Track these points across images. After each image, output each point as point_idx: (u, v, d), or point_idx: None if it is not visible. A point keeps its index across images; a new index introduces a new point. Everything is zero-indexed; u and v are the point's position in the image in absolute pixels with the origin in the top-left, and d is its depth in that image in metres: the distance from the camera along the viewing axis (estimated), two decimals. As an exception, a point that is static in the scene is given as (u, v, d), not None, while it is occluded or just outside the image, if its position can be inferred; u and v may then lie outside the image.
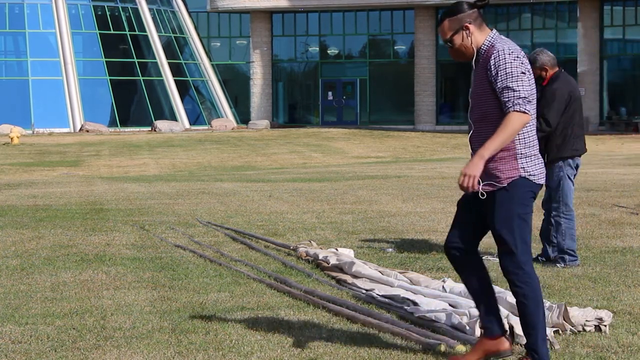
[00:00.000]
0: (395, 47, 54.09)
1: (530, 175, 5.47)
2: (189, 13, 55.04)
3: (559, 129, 9.11)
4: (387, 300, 7.25)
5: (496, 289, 6.90)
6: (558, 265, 8.99)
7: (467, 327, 6.19)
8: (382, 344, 6.12)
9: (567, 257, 9.05)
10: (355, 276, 8.24)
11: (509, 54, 5.35)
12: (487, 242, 10.43)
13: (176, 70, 52.23)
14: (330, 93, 54.14)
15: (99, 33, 50.43)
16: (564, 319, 6.31)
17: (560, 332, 6.31)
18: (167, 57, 51.80)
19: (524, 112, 5.30)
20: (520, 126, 5.31)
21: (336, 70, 54.41)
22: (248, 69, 55.11)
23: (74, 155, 33.92)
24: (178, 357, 5.93)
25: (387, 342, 6.17)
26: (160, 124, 48.90)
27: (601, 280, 8.19)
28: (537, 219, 11.76)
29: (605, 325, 6.37)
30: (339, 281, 8.26)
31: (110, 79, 49.47)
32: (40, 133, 46.86)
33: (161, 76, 51.40)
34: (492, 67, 5.38)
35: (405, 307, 6.89)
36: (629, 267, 8.83)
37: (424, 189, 17.03)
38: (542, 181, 5.53)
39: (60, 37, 49.45)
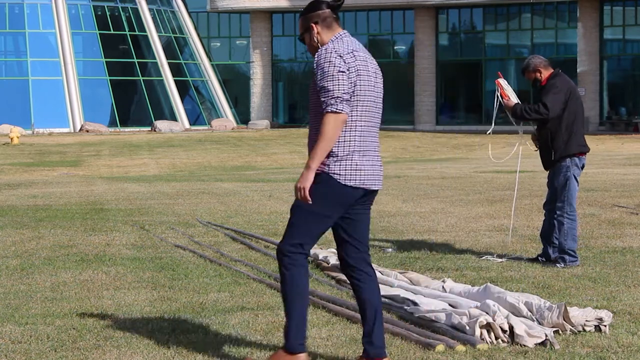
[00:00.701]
0: (395, 47, 54.10)
1: (334, 174, 5.35)
2: (189, 13, 55.05)
3: (564, 125, 9.12)
4: (387, 300, 7.25)
5: (496, 289, 6.91)
6: (558, 265, 8.99)
7: (467, 327, 6.19)
8: (382, 344, 6.11)
9: (567, 257, 9.05)
10: (355, 276, 8.24)
11: (330, 53, 5.31)
12: (487, 242, 10.44)
13: (176, 70, 52.24)
14: (330, 93, 54.15)
15: (99, 33, 50.44)
16: (564, 319, 6.31)
17: (560, 332, 6.31)
18: (167, 57, 51.82)
19: (338, 112, 5.24)
20: (337, 126, 5.26)
21: (336, 70, 54.38)
22: (248, 69, 55.13)
23: (74, 155, 33.93)
24: (178, 357, 5.93)
25: (387, 342, 6.17)
26: (160, 124, 48.90)
27: (601, 280, 8.19)
28: (537, 219, 11.77)
29: (605, 325, 6.37)
30: (339, 281, 8.26)
31: (110, 79, 49.48)
32: (40, 133, 46.86)
33: (161, 76, 51.41)
34: (315, 66, 5.39)
35: (405, 307, 6.89)
36: (629, 267, 8.83)
37: (424, 189, 17.03)
38: (354, 184, 5.37)
39: (60, 37, 49.47)
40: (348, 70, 5.30)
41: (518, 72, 50.67)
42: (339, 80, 5.28)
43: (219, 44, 56.20)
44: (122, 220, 12.86)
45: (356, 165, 5.39)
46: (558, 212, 9.18)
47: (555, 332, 6.27)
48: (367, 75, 5.41)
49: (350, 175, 5.37)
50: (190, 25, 54.66)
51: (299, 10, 55.70)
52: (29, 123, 47.29)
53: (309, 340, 6.25)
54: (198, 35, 54.94)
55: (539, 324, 6.33)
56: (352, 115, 5.37)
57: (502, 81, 9.65)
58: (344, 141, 5.38)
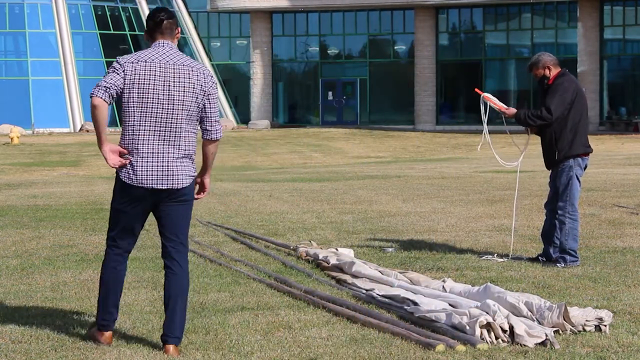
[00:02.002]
0: (395, 47, 54.08)
1: (119, 172, 6.05)
2: (189, 13, 55.05)
3: (569, 125, 9.10)
4: (387, 300, 7.25)
5: (496, 289, 6.91)
6: (558, 265, 8.98)
7: (467, 327, 6.19)
8: (382, 344, 6.11)
9: (567, 257, 9.04)
10: (355, 276, 8.24)
11: (122, 57, 6.12)
12: (487, 242, 10.44)
13: (176, 70, 52.23)
14: (330, 93, 54.13)
15: (99, 33, 50.45)
16: (564, 319, 6.31)
17: (561, 332, 6.31)
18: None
19: (92, 95, 5.95)
20: (91, 108, 5.98)
21: (336, 70, 54.40)
22: (248, 69, 55.11)
23: (74, 155, 33.93)
24: (178, 357, 5.93)
25: (387, 342, 6.17)
26: (160, 124, 48.91)
27: (601, 280, 8.19)
28: (537, 219, 11.77)
29: (605, 325, 6.37)
30: (339, 281, 8.26)
31: (110, 79, 49.44)
32: (40, 133, 46.86)
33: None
34: None
35: (405, 307, 6.89)
36: (629, 267, 8.83)
37: (424, 189, 17.02)
38: (132, 182, 5.99)
39: (60, 37, 49.48)
40: (124, 72, 5.99)
41: (518, 72, 50.72)
42: (108, 75, 6.02)
43: (219, 44, 56.18)
44: (122, 220, 12.83)
45: (135, 165, 6.00)
46: (560, 212, 9.17)
47: (556, 332, 6.27)
48: (150, 82, 5.99)
49: (129, 174, 6.01)
50: (190, 25, 54.66)
51: (299, 10, 55.65)
52: (29, 123, 47.30)
53: (309, 340, 6.25)
54: (198, 35, 54.94)
55: (539, 323, 6.33)
56: (130, 119, 6.01)
57: (487, 94, 9.54)
58: (126, 142, 6.04)
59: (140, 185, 5.99)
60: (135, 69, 6.00)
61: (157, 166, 6.01)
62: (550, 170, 9.35)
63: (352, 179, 20.47)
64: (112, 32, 50.78)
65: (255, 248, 10.22)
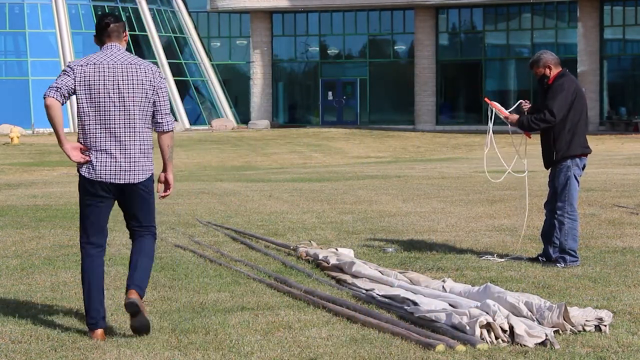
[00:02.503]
0: (395, 47, 54.07)
1: (79, 167, 6.53)
2: (189, 13, 55.02)
3: (568, 125, 9.09)
4: (387, 300, 7.25)
5: (496, 289, 6.91)
6: (558, 265, 8.98)
7: (467, 327, 6.19)
8: (382, 344, 6.11)
9: (567, 257, 9.04)
10: (355, 276, 8.25)
11: (73, 60, 6.75)
12: (487, 242, 10.44)
13: (176, 70, 52.24)
14: (330, 93, 54.13)
15: (99, 33, 50.40)
16: (564, 319, 6.31)
17: (560, 332, 6.31)
18: (167, 57, 51.81)
19: (44, 96, 6.39)
20: (45, 109, 6.42)
21: (336, 70, 54.39)
22: (248, 69, 55.11)
23: (74, 155, 33.87)
24: (178, 357, 5.93)
25: (387, 342, 6.17)
26: (160, 124, 48.90)
27: (601, 280, 8.19)
28: (537, 219, 11.76)
29: (605, 325, 6.37)
30: (339, 281, 8.26)
31: (110, 79, 49.42)
32: (40, 133, 46.86)
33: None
34: None
35: (405, 307, 6.89)
36: (629, 267, 8.83)
37: (424, 189, 17.02)
38: (89, 176, 6.49)
39: (60, 37, 49.46)
40: (74, 74, 6.45)
41: (518, 71, 50.72)
42: (60, 77, 6.47)
43: (219, 44, 56.17)
44: (122, 220, 12.81)
45: (94, 161, 6.48)
46: (559, 212, 9.17)
47: (556, 332, 6.27)
48: (100, 83, 6.45)
49: (90, 169, 6.49)
50: (190, 25, 54.64)
51: (299, 10, 55.56)
52: (29, 123, 47.29)
53: (309, 340, 6.25)
54: (198, 35, 54.93)
55: (539, 323, 6.33)
56: (85, 120, 6.48)
57: (494, 102, 9.58)
58: (83, 139, 6.52)
59: (100, 180, 6.49)
60: (84, 72, 6.45)
61: (114, 162, 6.49)
62: (549, 170, 9.36)
63: (352, 179, 20.47)
64: (112, 32, 50.70)
65: (255, 248, 10.22)
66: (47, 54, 49.36)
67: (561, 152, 9.13)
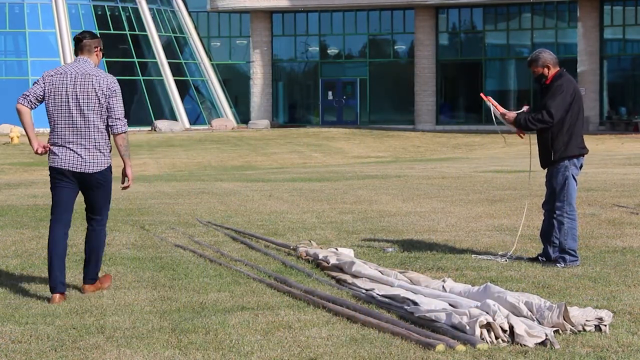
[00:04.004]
0: (395, 47, 54.08)
1: (48, 159, 7.97)
2: (189, 13, 55.03)
3: (566, 126, 9.09)
4: (387, 300, 7.25)
5: (496, 288, 6.91)
6: (558, 265, 8.98)
7: (467, 327, 6.19)
8: (382, 344, 6.12)
9: (567, 257, 9.04)
10: (355, 276, 8.25)
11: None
12: (487, 242, 10.44)
13: (176, 70, 52.23)
14: (330, 93, 54.14)
15: (99, 33, 50.37)
16: (564, 319, 6.31)
17: (560, 332, 6.31)
18: (167, 57, 51.80)
19: (16, 103, 7.86)
20: (17, 114, 7.95)
21: (336, 70, 54.40)
22: (248, 69, 55.12)
23: (74, 155, 33.87)
24: (178, 357, 5.93)
25: (387, 342, 6.17)
26: (160, 123, 48.90)
27: (601, 280, 8.19)
28: (537, 219, 11.77)
29: (605, 325, 6.37)
30: (339, 281, 8.26)
31: (110, 79, 49.40)
32: (40, 133, 46.73)
33: (161, 76, 51.40)
34: None
35: (405, 307, 6.89)
36: (629, 267, 8.83)
37: (424, 189, 17.03)
38: (51, 165, 7.95)
39: (60, 37, 49.46)
40: (44, 83, 7.84)
41: (518, 71, 50.72)
42: (32, 87, 7.90)
43: (219, 44, 56.18)
44: (122, 220, 12.85)
45: (57, 153, 7.91)
46: (558, 212, 9.17)
47: (556, 331, 6.27)
48: (62, 89, 7.79)
49: (54, 159, 7.94)
50: (190, 25, 54.64)
51: (299, 10, 55.58)
52: (29, 123, 47.24)
53: (309, 340, 6.26)
54: (198, 35, 54.93)
55: (539, 323, 6.33)
56: (52, 120, 7.88)
57: (490, 98, 9.56)
58: (52, 137, 7.94)
59: (62, 168, 7.89)
60: (52, 81, 7.81)
61: (72, 154, 7.86)
62: (546, 170, 9.34)
63: (352, 179, 20.47)
64: (112, 32, 50.75)
65: (255, 248, 10.22)
66: (47, 54, 49.35)
67: (559, 152, 9.12)
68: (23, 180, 22.83)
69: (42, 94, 7.81)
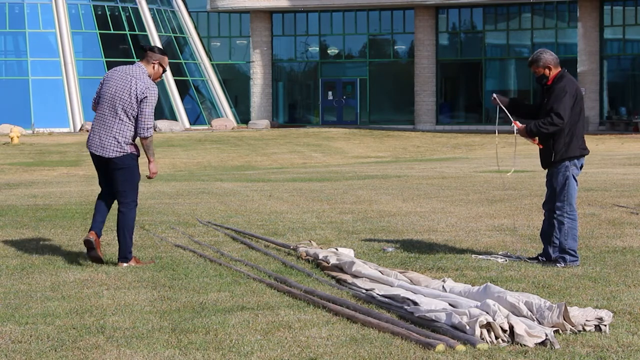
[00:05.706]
0: (395, 47, 54.08)
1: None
2: (189, 13, 55.02)
3: (567, 127, 9.08)
4: (387, 300, 7.25)
5: (496, 288, 6.91)
6: (558, 265, 8.99)
7: (467, 327, 6.19)
8: (382, 344, 6.12)
9: (567, 257, 9.04)
10: (355, 276, 8.25)
11: None
12: (487, 242, 10.44)
13: (176, 70, 52.23)
14: (330, 93, 54.13)
15: (99, 33, 50.42)
16: (564, 319, 6.31)
17: (560, 332, 6.31)
18: (167, 57, 51.75)
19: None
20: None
21: (336, 70, 54.40)
22: (248, 69, 55.12)
23: (74, 155, 33.93)
24: (178, 357, 5.93)
25: (387, 342, 6.17)
26: (160, 123, 48.89)
27: (601, 280, 8.19)
28: (537, 219, 11.77)
29: (605, 325, 6.38)
30: (339, 281, 8.26)
31: (110, 79, 49.38)
32: (40, 133, 46.87)
33: (161, 76, 51.36)
34: None
35: (405, 307, 6.89)
36: (629, 267, 8.83)
37: (424, 189, 17.03)
38: (88, 148, 9.25)
39: (60, 37, 49.45)
40: (103, 79, 9.24)
41: (518, 72, 50.73)
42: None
43: (219, 44, 56.17)
44: (122, 220, 12.82)
45: (89, 138, 9.23)
46: (558, 212, 9.17)
47: (556, 331, 6.28)
48: (110, 81, 9.14)
49: (88, 142, 9.23)
50: (190, 25, 54.64)
51: (299, 10, 55.62)
52: (29, 123, 47.28)
53: (309, 340, 6.26)
54: (198, 35, 54.92)
55: (539, 323, 6.33)
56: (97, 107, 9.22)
57: (498, 100, 9.45)
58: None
59: (89, 149, 9.23)
60: (107, 75, 9.24)
61: (97, 138, 9.13)
62: (546, 170, 9.34)
63: (352, 179, 20.47)
64: (112, 32, 50.76)
65: (255, 248, 10.22)
66: (47, 53, 49.36)
67: (560, 153, 9.12)
68: (23, 180, 22.83)
69: (99, 88, 9.26)
